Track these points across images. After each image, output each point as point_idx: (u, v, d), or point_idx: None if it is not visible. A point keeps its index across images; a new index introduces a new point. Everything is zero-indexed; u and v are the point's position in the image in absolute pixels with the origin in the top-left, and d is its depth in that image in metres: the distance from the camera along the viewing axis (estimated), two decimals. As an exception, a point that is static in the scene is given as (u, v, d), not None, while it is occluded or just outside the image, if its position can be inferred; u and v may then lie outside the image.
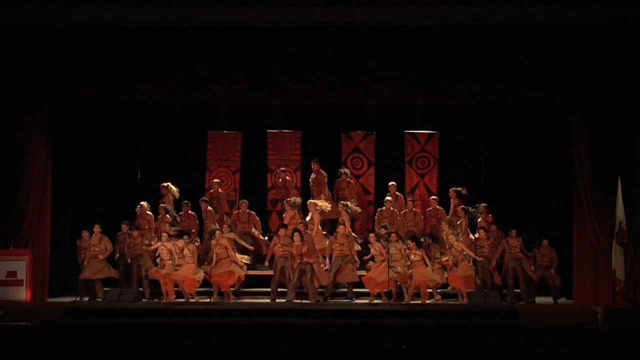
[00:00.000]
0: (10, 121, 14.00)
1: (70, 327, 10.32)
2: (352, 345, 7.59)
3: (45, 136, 14.24)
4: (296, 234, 13.52)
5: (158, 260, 13.65)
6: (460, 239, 13.67)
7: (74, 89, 14.17)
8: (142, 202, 14.66)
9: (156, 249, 13.69)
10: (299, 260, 13.35)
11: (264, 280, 14.31)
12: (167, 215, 14.53)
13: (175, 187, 15.04)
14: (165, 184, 15.05)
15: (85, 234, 14.02)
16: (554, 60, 13.73)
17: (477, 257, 13.64)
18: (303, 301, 13.38)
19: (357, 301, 13.68)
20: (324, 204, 14.39)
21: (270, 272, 14.00)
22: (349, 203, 14.37)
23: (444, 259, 13.64)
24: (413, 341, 7.69)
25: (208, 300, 13.35)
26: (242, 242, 14.14)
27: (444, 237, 13.87)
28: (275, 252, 13.88)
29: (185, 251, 13.44)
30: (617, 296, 13.30)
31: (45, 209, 14.28)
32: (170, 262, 13.44)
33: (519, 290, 14.08)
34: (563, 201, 14.68)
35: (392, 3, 13.40)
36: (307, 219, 14.26)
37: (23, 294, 13.65)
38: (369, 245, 13.71)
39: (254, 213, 14.90)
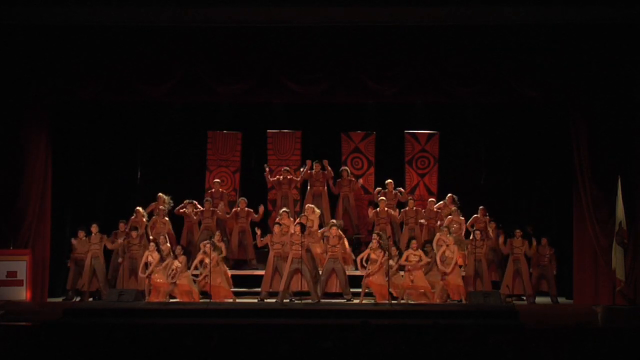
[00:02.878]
0: (10, 121, 14.01)
1: (70, 327, 10.32)
2: (352, 345, 7.58)
3: (45, 136, 14.24)
4: (297, 226, 13.50)
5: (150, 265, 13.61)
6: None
7: (74, 89, 14.16)
8: (138, 208, 14.59)
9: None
10: (296, 250, 13.32)
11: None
12: (166, 218, 14.52)
13: (167, 195, 15.05)
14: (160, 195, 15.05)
15: (81, 234, 14.00)
16: (554, 60, 13.72)
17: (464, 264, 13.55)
18: (303, 301, 13.38)
19: (356, 301, 13.67)
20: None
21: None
22: (341, 222, 14.41)
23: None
24: (413, 341, 7.68)
25: (208, 300, 13.34)
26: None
27: (438, 238, 13.80)
28: (270, 251, 13.88)
29: (177, 263, 13.42)
30: (617, 296, 13.30)
31: (45, 209, 14.27)
32: (161, 269, 13.42)
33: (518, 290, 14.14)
34: (563, 201, 14.68)
35: (392, 3, 13.40)
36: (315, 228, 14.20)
37: (23, 294, 13.65)
38: (370, 247, 13.59)
39: (252, 210, 14.93)
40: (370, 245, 13.45)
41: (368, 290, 13.44)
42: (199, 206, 14.83)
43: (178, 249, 13.61)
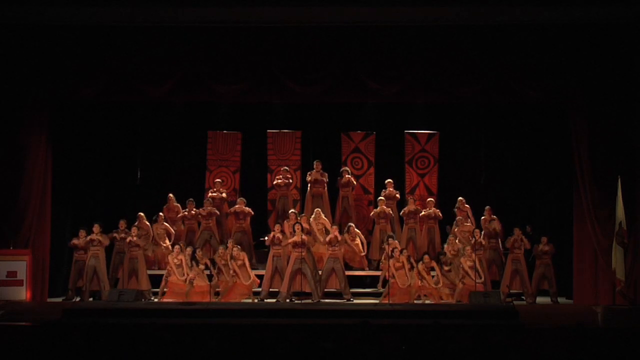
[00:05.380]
0: (10, 121, 14.00)
1: (70, 327, 10.31)
2: (352, 345, 7.58)
3: (45, 136, 14.23)
4: (297, 225, 13.52)
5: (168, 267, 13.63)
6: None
7: (74, 89, 14.17)
8: (140, 213, 14.52)
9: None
10: (298, 251, 13.34)
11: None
12: (165, 224, 14.58)
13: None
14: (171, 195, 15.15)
15: (82, 233, 13.99)
16: (554, 60, 13.74)
17: (474, 280, 13.42)
18: (303, 301, 13.38)
19: (356, 301, 13.67)
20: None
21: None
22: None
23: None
24: (413, 341, 7.68)
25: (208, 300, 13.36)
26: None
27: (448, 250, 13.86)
28: (270, 251, 13.90)
29: (199, 268, 13.50)
30: (617, 296, 13.30)
31: (45, 209, 14.27)
32: (178, 272, 13.49)
33: (518, 290, 14.15)
34: (563, 201, 14.68)
35: (392, 3, 13.40)
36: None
37: (23, 294, 13.66)
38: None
39: (251, 212, 14.92)
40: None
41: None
42: (194, 210, 14.82)
43: (199, 253, 13.68)
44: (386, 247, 13.54)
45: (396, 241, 13.69)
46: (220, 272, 13.48)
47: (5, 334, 10.41)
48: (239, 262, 13.51)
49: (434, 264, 13.56)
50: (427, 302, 13.43)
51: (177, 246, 13.69)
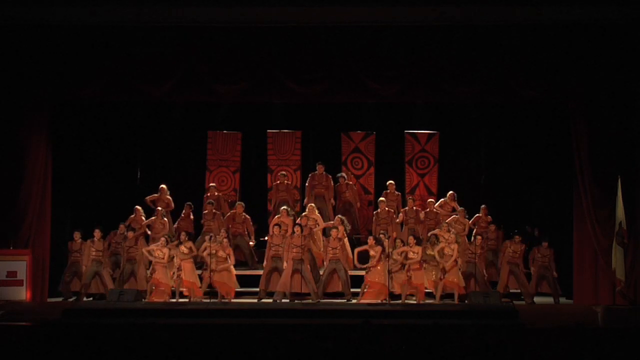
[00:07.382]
0: (11, 121, 14.01)
1: (70, 327, 10.32)
2: (352, 345, 7.59)
3: (45, 136, 14.24)
4: (297, 227, 13.50)
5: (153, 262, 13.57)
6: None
7: (74, 89, 14.16)
8: (137, 207, 14.61)
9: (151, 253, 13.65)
10: (297, 251, 13.32)
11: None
12: (164, 219, 14.54)
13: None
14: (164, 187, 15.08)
15: (77, 235, 13.97)
16: (554, 60, 13.73)
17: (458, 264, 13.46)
18: (303, 301, 13.38)
19: (354, 301, 13.65)
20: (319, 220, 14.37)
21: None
22: (344, 219, 14.27)
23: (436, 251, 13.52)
24: (413, 341, 7.69)
25: (208, 300, 13.34)
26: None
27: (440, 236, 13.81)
28: (267, 252, 13.86)
29: (182, 248, 13.42)
30: (617, 296, 13.31)
31: (45, 209, 14.27)
32: (164, 267, 13.39)
33: (517, 290, 14.15)
34: (563, 201, 14.68)
35: (392, 3, 13.40)
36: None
37: (23, 294, 13.67)
38: (368, 247, 13.57)
39: (249, 218, 14.86)
40: (368, 242, 13.43)
41: (366, 290, 13.42)
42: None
43: (182, 235, 13.60)
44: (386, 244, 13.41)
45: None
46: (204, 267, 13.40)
47: (5, 334, 10.41)
48: (222, 256, 13.41)
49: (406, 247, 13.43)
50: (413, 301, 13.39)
51: (162, 238, 13.58)
